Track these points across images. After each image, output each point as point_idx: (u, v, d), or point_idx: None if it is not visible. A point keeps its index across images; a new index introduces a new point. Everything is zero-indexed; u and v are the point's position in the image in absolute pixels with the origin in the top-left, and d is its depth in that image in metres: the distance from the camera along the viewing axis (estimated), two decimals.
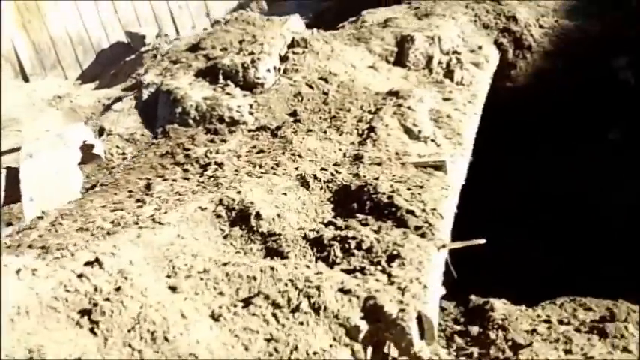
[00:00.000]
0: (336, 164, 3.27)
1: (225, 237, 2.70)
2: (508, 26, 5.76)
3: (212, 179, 3.27)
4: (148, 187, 3.37)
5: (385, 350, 2.24)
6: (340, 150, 3.42)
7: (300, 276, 2.29)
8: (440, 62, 4.83)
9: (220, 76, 4.19)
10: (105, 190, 3.55)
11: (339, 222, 2.74)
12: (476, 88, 4.55)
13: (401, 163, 3.21)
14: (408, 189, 2.94)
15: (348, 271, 2.40)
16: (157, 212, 2.87)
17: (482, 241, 2.68)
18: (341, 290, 2.21)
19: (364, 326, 2.10)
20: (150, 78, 4.60)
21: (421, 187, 3.00)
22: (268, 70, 4.15)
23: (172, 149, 3.81)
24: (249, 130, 3.80)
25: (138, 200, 3.20)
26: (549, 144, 5.70)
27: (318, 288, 2.20)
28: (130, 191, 3.40)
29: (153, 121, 4.33)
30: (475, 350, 2.95)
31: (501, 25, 5.79)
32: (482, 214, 4.30)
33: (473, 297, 3.36)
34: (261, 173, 3.20)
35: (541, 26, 5.80)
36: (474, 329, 3.12)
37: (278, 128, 3.70)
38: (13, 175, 3.85)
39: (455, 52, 4.85)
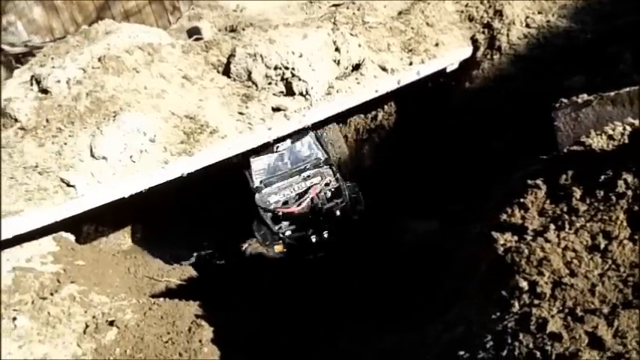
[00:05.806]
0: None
1: None
2: (491, 22, 5.47)
3: None
4: None
5: None
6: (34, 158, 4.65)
7: None
8: (267, 76, 5.50)
9: (34, 82, 5.50)
10: None
11: None
12: (344, 95, 5.41)
13: None
14: None
15: None
16: None
17: None
18: None
19: None
20: None
21: None
22: (58, 82, 5.33)
23: None
24: (19, 128, 5.11)
25: None
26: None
27: None
28: None
29: None
30: None
31: (486, 19, 5.55)
32: None
33: None
34: None
35: (527, 25, 5.33)
36: None
37: (28, 130, 4.96)
38: None
39: (286, 67, 5.37)
